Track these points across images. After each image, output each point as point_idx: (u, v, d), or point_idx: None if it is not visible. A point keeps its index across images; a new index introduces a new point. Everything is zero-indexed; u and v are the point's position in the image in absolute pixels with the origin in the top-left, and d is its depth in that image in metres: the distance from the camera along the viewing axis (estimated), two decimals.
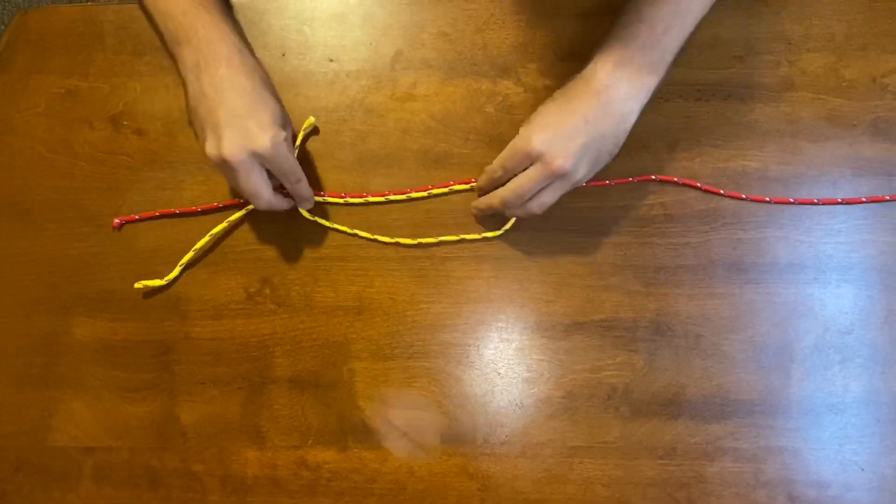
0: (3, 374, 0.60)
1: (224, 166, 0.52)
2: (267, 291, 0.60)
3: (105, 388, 0.59)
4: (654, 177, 0.59)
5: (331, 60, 0.65)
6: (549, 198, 0.54)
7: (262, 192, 0.54)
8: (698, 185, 0.59)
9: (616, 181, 0.59)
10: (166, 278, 0.60)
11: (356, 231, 0.60)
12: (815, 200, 0.58)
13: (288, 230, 0.61)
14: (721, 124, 0.60)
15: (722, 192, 0.59)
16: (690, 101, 0.61)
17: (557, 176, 0.52)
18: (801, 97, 0.60)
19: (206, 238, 0.60)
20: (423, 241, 0.59)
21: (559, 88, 0.55)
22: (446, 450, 0.56)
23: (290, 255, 0.61)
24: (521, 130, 0.54)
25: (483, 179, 0.57)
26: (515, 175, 0.54)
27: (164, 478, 0.57)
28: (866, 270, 0.57)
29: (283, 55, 0.65)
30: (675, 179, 0.59)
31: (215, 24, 0.54)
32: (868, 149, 0.59)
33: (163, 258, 0.61)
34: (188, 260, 0.60)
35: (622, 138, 0.54)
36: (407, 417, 0.57)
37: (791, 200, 0.58)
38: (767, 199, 0.58)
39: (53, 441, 0.58)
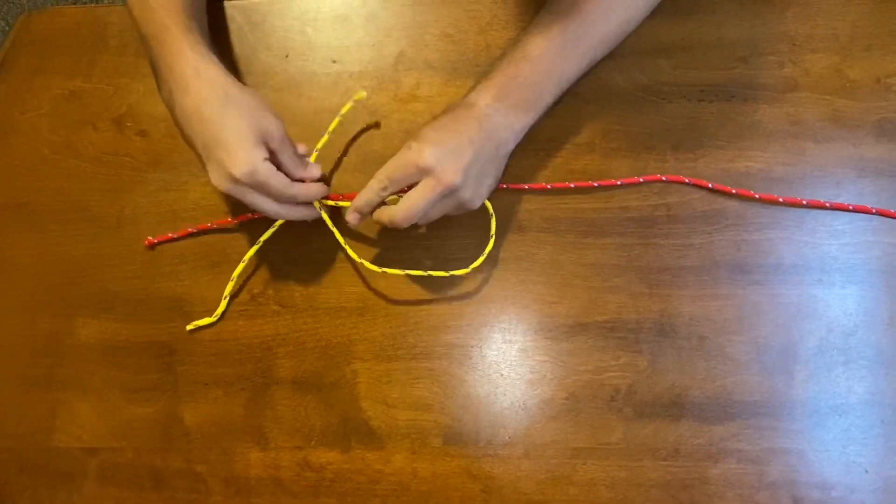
0: (8, 375, 0.60)
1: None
2: (270, 292, 0.60)
3: (109, 389, 0.59)
4: (662, 177, 0.59)
5: (334, 61, 0.65)
6: (435, 214, 0.55)
7: (268, 209, 0.53)
8: (709, 185, 0.59)
9: (624, 180, 0.59)
10: (215, 314, 0.59)
11: (335, 231, 0.57)
12: (804, 202, 0.58)
13: (291, 231, 0.60)
14: (725, 125, 0.60)
15: (733, 190, 0.58)
16: (694, 102, 0.61)
17: (448, 191, 0.52)
18: (805, 98, 0.60)
19: (241, 265, 0.59)
20: (389, 271, 0.57)
21: (443, 111, 0.56)
22: (449, 451, 0.56)
23: (294, 256, 0.61)
24: (412, 144, 0.53)
25: (368, 194, 0.54)
26: (399, 188, 0.54)
27: (167, 478, 0.57)
28: (871, 272, 0.57)
29: (287, 56, 0.65)
30: (686, 180, 0.59)
31: (177, 46, 0.52)
32: (872, 150, 0.59)
33: (166, 258, 0.61)
34: (231, 291, 0.59)
35: (501, 166, 0.57)
36: (410, 418, 0.57)
37: (780, 199, 0.58)
38: (755, 195, 0.58)
39: (57, 442, 0.59)
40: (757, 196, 0.58)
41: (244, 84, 0.54)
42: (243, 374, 0.58)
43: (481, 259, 0.57)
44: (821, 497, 0.53)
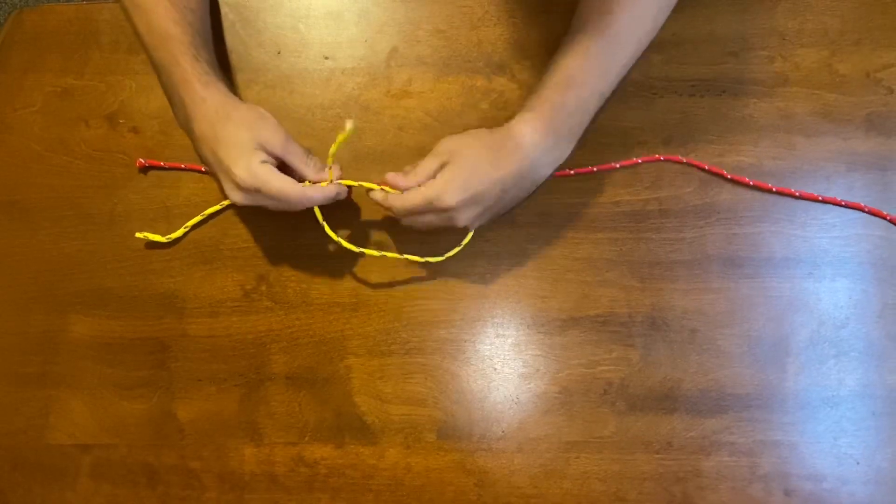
0: (1, 372, 0.60)
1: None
2: (263, 288, 0.60)
3: (102, 386, 0.59)
4: (661, 157, 0.60)
5: (326, 58, 0.65)
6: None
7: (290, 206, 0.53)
8: (705, 166, 0.59)
9: (623, 163, 0.60)
10: (168, 236, 0.60)
11: (324, 224, 0.57)
12: (796, 193, 0.58)
13: (284, 227, 0.61)
14: (715, 120, 0.60)
15: (728, 175, 0.59)
16: (685, 97, 0.61)
17: (449, 219, 0.54)
18: (795, 92, 0.60)
19: (218, 206, 0.60)
20: (367, 251, 0.57)
21: (489, 134, 0.55)
22: (443, 445, 0.56)
23: (287, 251, 0.61)
24: (442, 182, 0.52)
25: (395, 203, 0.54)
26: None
27: (161, 475, 0.57)
28: (861, 264, 0.57)
29: (279, 53, 0.65)
30: (682, 160, 0.59)
31: (185, 78, 0.54)
32: (862, 143, 0.59)
33: (159, 256, 0.61)
34: (195, 222, 0.61)
35: (522, 201, 0.58)
36: (403, 413, 0.57)
37: (772, 189, 0.58)
38: (749, 181, 0.58)
39: (51, 439, 0.58)
40: (751, 182, 0.58)
41: (243, 100, 0.55)
42: (237, 370, 0.58)
43: (456, 250, 0.57)
44: (812, 489, 0.54)
